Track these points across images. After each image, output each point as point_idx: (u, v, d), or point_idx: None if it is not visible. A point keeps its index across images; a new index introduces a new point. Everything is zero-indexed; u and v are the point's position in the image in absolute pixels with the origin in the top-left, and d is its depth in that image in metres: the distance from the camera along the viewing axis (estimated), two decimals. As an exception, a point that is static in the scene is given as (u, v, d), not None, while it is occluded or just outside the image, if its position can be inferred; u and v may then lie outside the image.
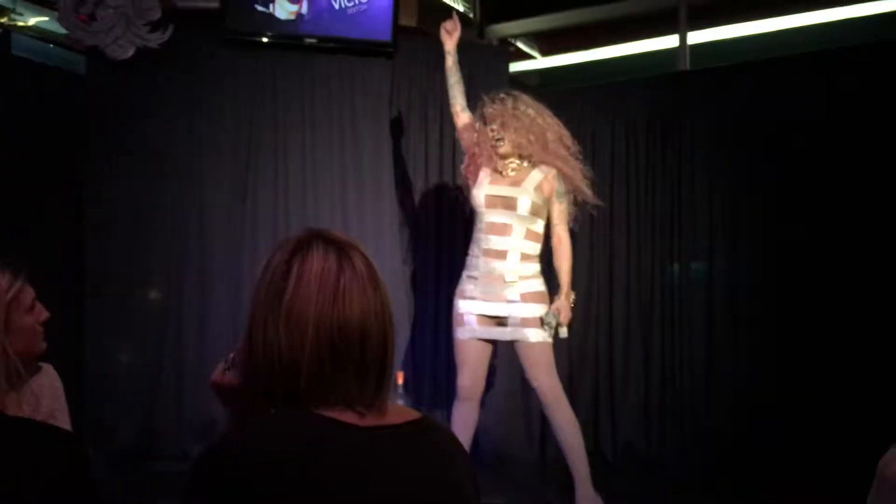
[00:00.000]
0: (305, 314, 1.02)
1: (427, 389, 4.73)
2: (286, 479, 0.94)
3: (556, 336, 3.46)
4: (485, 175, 3.53)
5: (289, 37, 4.61)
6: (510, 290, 3.41)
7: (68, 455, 1.33)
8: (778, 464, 4.04)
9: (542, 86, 5.73)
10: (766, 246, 4.38)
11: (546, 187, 3.45)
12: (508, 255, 3.42)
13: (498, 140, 3.43)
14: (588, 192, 3.54)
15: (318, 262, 1.05)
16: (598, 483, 3.43)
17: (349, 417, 1.03)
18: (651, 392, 4.62)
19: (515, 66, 5.42)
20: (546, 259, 3.59)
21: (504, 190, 3.44)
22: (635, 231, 4.73)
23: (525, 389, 4.69)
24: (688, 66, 4.93)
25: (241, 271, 4.54)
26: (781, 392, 4.18)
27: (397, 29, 4.65)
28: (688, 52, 4.94)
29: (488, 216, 3.45)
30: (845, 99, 4.12)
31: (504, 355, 4.84)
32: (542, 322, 3.37)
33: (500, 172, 3.50)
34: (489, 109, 3.47)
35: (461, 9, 5.32)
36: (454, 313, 3.55)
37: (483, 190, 3.48)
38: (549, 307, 3.41)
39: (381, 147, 4.81)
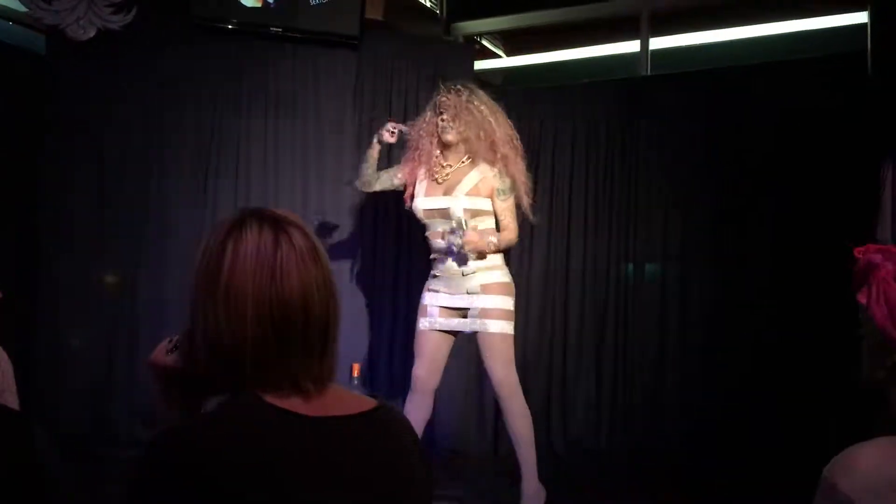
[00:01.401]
0: (244, 293, 1.01)
1: (383, 382, 4.75)
2: (233, 473, 0.92)
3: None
4: (420, 184, 3.51)
5: (254, 24, 4.59)
6: (471, 281, 3.41)
7: (19, 436, 1.29)
8: (722, 460, 4.15)
9: (507, 85, 5.78)
10: (718, 249, 4.48)
11: (484, 187, 3.41)
12: (440, 249, 3.44)
13: (445, 128, 3.40)
14: (525, 200, 3.50)
15: (252, 239, 1.03)
16: (548, 475, 3.49)
17: (297, 405, 1.01)
18: (602, 388, 4.70)
19: (480, 65, 5.46)
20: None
21: (438, 201, 3.43)
22: (592, 230, 4.81)
23: (480, 384, 4.75)
24: (648, 72, 5.02)
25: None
26: (728, 391, 4.29)
27: (363, 21, 4.66)
28: (649, 57, 5.02)
29: (431, 226, 3.48)
30: (799, 108, 4.24)
31: (461, 350, 4.89)
32: (459, 245, 3.30)
33: (436, 179, 3.47)
34: (444, 98, 3.44)
35: (428, 4, 5.34)
36: (420, 305, 3.56)
37: (420, 204, 3.48)
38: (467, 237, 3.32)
39: (344, 138, 4.81)
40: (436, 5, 5.40)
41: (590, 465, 4.48)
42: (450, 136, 3.42)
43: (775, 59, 4.63)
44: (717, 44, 5.17)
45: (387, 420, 1.11)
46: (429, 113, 3.53)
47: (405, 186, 3.60)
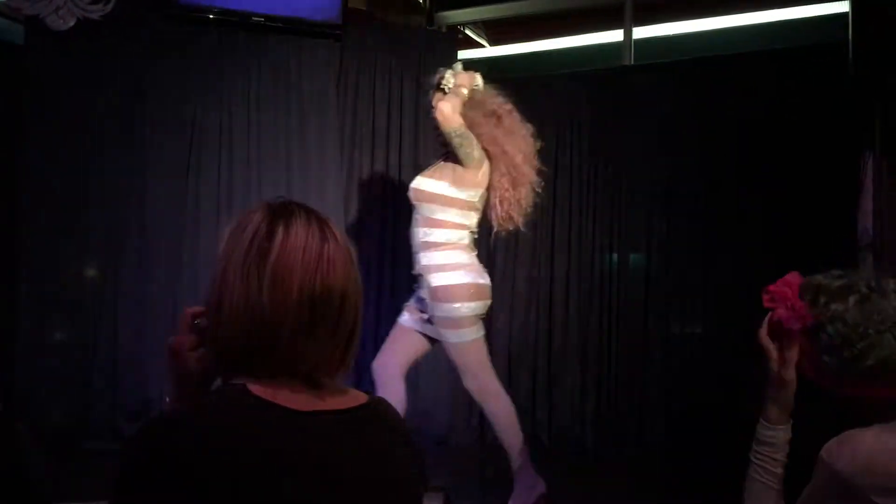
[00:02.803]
0: (291, 275, 1.03)
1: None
2: (218, 465, 0.93)
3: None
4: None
5: (235, 13, 4.55)
6: (424, 284, 3.26)
7: (2, 435, 1.29)
8: (704, 453, 4.18)
9: (490, 74, 5.76)
10: (703, 241, 4.50)
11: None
12: (413, 246, 3.30)
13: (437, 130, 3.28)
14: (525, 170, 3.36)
15: (303, 227, 1.07)
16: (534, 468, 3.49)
17: (288, 399, 1.02)
18: (587, 380, 4.73)
19: (464, 54, 5.44)
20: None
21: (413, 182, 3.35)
22: (577, 222, 4.82)
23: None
24: (632, 61, 5.02)
25: (181, 250, 4.49)
26: (713, 383, 4.32)
27: (346, 11, 4.63)
28: (633, 46, 5.03)
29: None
30: (785, 98, 4.25)
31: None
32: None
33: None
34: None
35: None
36: None
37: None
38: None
39: (327, 129, 4.79)
40: (420, -7, 5.37)
41: (576, 457, 4.52)
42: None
43: (757, 49, 4.64)
44: (700, 33, 5.18)
45: (378, 414, 1.13)
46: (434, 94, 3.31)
47: None
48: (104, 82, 4.47)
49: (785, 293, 1.41)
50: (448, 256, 3.19)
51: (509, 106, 3.39)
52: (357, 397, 1.12)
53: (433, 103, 3.23)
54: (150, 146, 4.54)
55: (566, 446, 4.63)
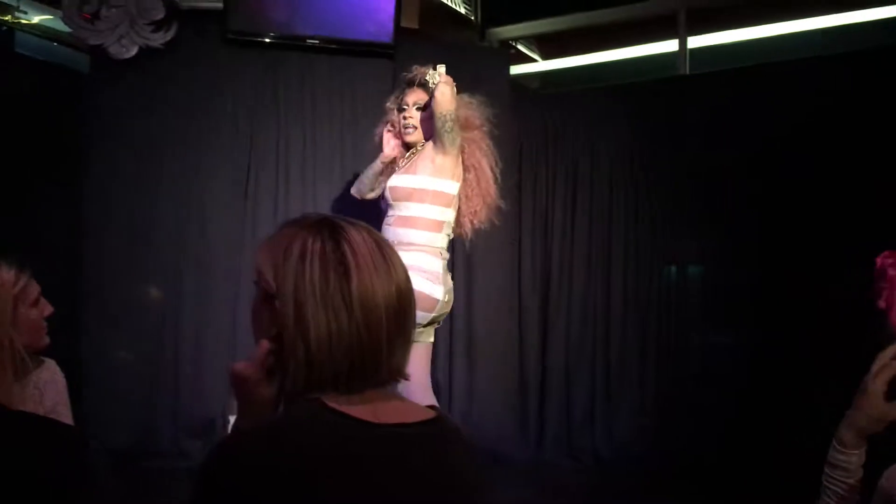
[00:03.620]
0: (374, 290, 1.02)
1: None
2: (301, 474, 0.93)
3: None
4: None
5: (290, 37, 4.63)
6: None
7: (75, 451, 1.31)
8: (766, 468, 4.07)
9: (543, 89, 5.75)
10: (763, 250, 4.40)
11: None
12: None
13: (408, 128, 3.34)
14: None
15: (362, 241, 1.05)
16: (593, 482, 3.42)
17: (362, 412, 1.02)
18: (646, 394, 4.65)
19: (516, 69, 5.45)
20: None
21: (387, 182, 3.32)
22: (633, 232, 4.76)
23: (523, 389, 4.73)
24: (687, 71, 4.96)
25: (240, 270, 4.55)
26: (775, 398, 4.21)
27: (399, 31, 4.67)
28: (687, 56, 4.96)
29: None
30: (850, 103, 4.14)
31: (504, 355, 4.87)
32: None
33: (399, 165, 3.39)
34: (412, 98, 3.35)
35: (462, 11, 5.34)
36: None
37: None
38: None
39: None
40: (471, 12, 5.40)
41: (636, 472, 4.44)
42: (411, 137, 3.36)
43: (816, 55, 4.54)
44: (756, 40, 5.09)
45: (446, 428, 1.12)
46: (396, 97, 3.45)
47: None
48: (165, 107, 4.58)
49: None
50: (414, 258, 3.02)
51: (488, 126, 3.36)
52: (425, 411, 1.11)
53: (430, 83, 3.19)
54: (209, 168, 4.62)
55: (626, 461, 4.55)
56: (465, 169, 3.30)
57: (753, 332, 4.40)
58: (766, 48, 5.01)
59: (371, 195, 3.53)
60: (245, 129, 4.68)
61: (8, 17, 4.59)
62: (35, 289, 1.74)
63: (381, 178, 3.45)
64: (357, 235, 1.06)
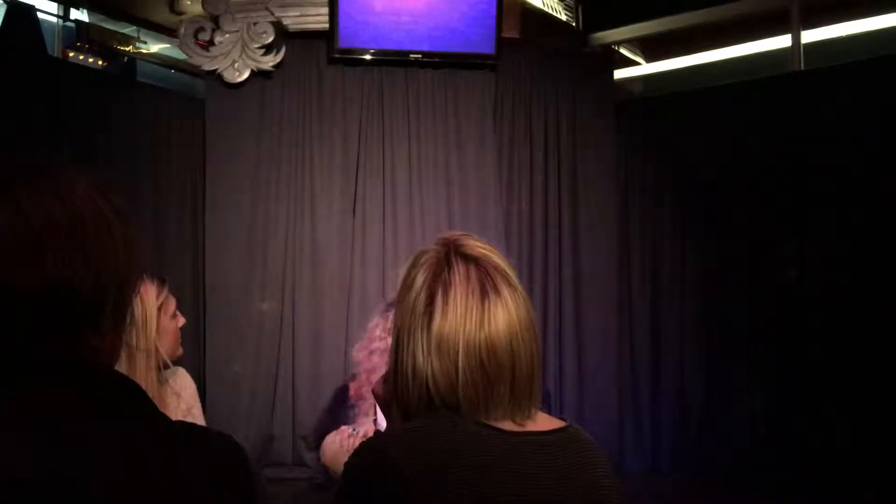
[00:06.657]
0: (455, 339, 1.03)
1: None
2: (441, 476, 0.95)
3: None
4: None
5: (394, 53, 4.70)
6: None
7: (235, 458, 1.33)
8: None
9: (648, 91, 5.64)
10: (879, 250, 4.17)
11: None
12: None
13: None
14: None
15: (461, 284, 1.05)
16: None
17: (506, 425, 1.03)
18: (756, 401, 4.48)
19: (620, 73, 5.37)
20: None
21: None
22: (747, 231, 4.60)
23: (635, 397, 4.62)
24: (802, 66, 4.76)
25: (351, 283, 4.64)
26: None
27: (500, 41, 4.67)
28: (801, 51, 4.77)
29: None
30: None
31: (620, 371, 4.79)
32: None
33: None
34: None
35: (564, 18, 5.30)
36: None
37: None
38: None
39: (485, 159, 4.84)
40: (572, 18, 5.35)
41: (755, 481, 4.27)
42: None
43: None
44: (874, 32, 4.85)
45: (578, 437, 1.12)
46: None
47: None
48: (275, 126, 4.72)
49: None
50: None
51: None
52: (556, 421, 1.11)
53: None
54: (318, 183, 4.74)
55: (747, 471, 4.38)
56: None
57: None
58: (885, 39, 4.76)
59: None
60: (352, 144, 4.77)
61: (129, 48, 4.85)
62: (173, 302, 1.82)
63: None
64: (460, 278, 1.05)
